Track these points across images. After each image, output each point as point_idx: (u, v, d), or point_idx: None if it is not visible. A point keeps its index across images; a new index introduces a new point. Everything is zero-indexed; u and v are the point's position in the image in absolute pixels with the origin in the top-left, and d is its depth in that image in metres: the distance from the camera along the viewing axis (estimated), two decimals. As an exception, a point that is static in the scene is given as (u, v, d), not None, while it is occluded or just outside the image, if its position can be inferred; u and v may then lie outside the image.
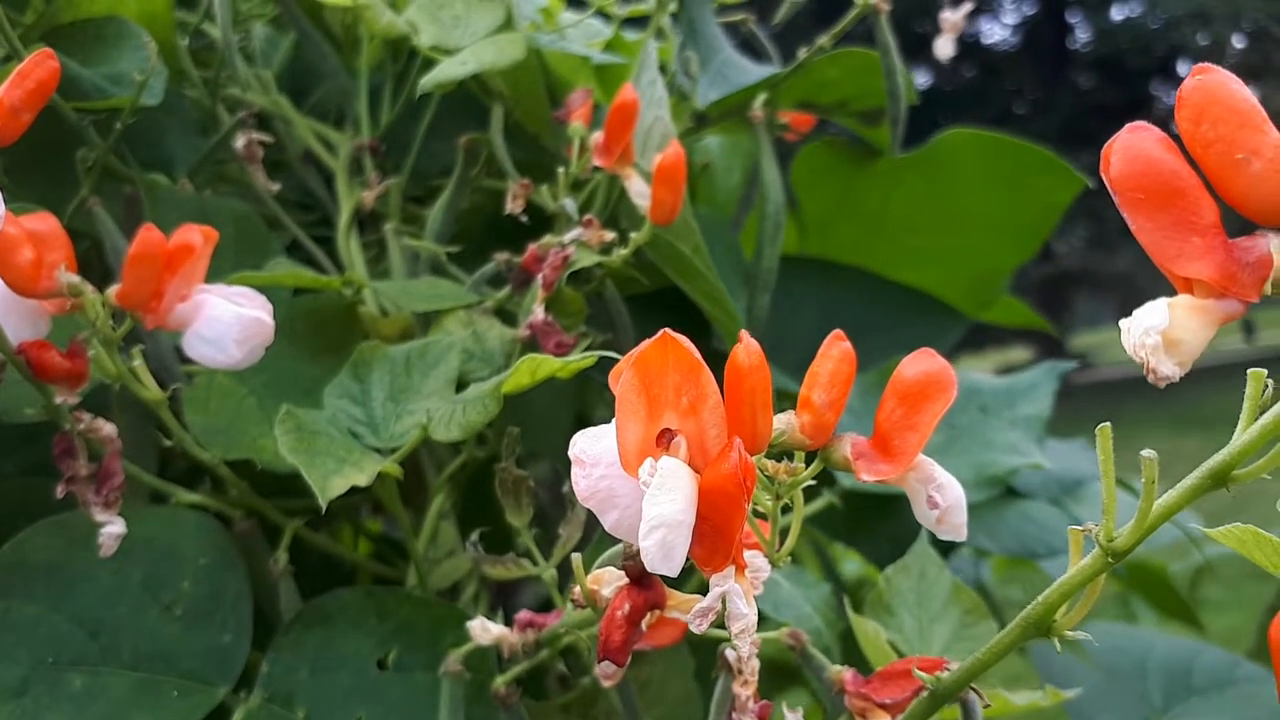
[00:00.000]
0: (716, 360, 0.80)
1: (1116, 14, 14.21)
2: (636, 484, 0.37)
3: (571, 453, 0.39)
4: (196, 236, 0.53)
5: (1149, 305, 0.30)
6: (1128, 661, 1.03)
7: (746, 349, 0.36)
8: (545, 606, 0.63)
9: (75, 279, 0.54)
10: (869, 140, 0.92)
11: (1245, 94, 0.29)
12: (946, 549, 0.85)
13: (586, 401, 0.87)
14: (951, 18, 0.78)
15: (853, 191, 0.97)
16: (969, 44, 14.64)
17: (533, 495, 0.59)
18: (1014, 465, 0.67)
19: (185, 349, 0.55)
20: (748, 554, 0.44)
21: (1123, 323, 0.30)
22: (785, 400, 0.83)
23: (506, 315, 0.74)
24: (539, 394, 0.64)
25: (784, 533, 0.45)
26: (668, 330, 0.37)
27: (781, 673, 0.80)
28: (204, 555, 0.64)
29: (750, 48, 0.96)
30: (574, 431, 0.62)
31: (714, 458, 0.36)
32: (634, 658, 0.58)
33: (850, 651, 0.61)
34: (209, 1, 0.83)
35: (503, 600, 0.80)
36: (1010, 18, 14.81)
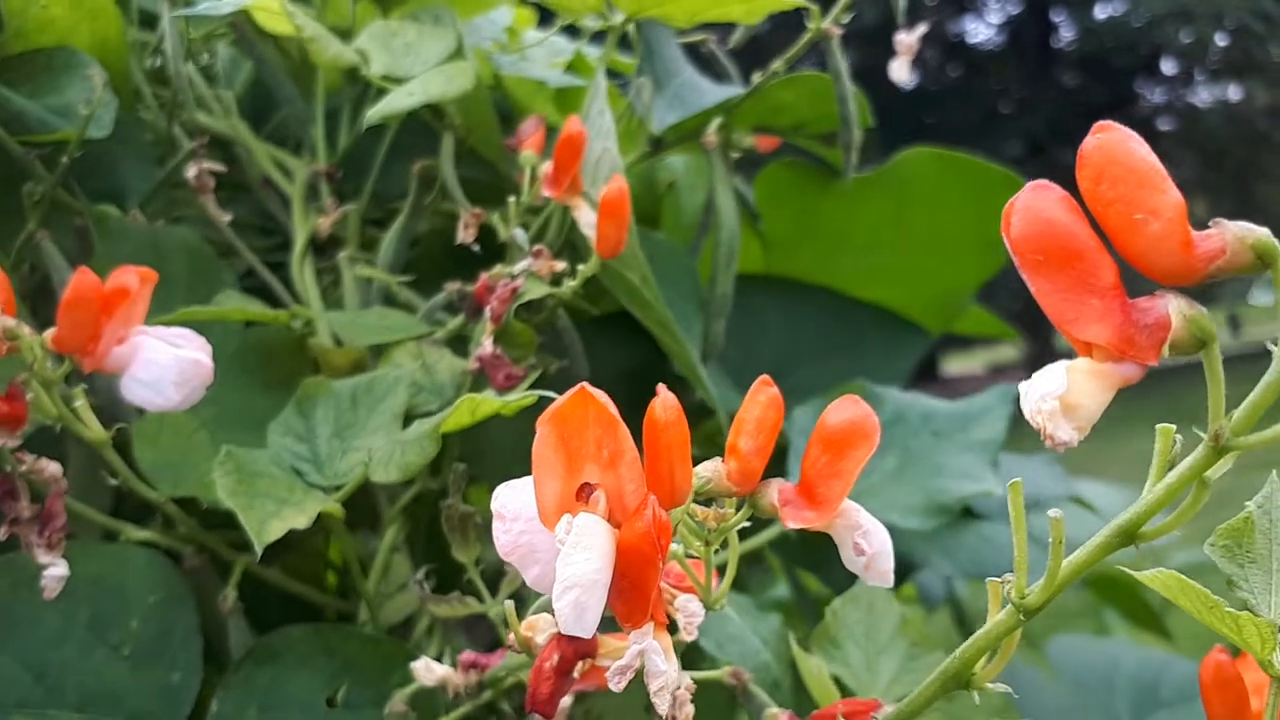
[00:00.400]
0: (677, 386, 0.79)
1: (1100, 13, 14.26)
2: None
3: (493, 506, 0.39)
4: (133, 279, 0.53)
5: (1048, 369, 0.30)
6: (1095, 676, 1.04)
7: (663, 404, 0.36)
8: (498, 642, 0.63)
9: (11, 323, 0.53)
10: (830, 160, 0.92)
11: (1145, 153, 0.29)
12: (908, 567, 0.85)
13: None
14: (906, 40, 0.78)
15: (816, 210, 0.97)
16: (954, 43, 14.69)
17: (480, 530, 0.59)
18: (965, 493, 0.67)
19: (124, 392, 0.54)
20: (682, 598, 0.44)
21: (1020, 386, 0.30)
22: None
23: (463, 342, 0.74)
24: (492, 422, 0.63)
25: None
26: (585, 385, 0.37)
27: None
28: (153, 593, 0.64)
29: (711, 67, 0.96)
30: (528, 458, 0.62)
31: (632, 514, 0.36)
32: (579, 697, 0.58)
33: (800, 682, 0.60)
34: (162, 21, 0.82)
35: (464, 629, 0.80)
36: (995, 17, 14.85)
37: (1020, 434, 0.88)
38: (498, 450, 0.76)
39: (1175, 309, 0.29)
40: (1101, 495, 1.06)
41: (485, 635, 0.74)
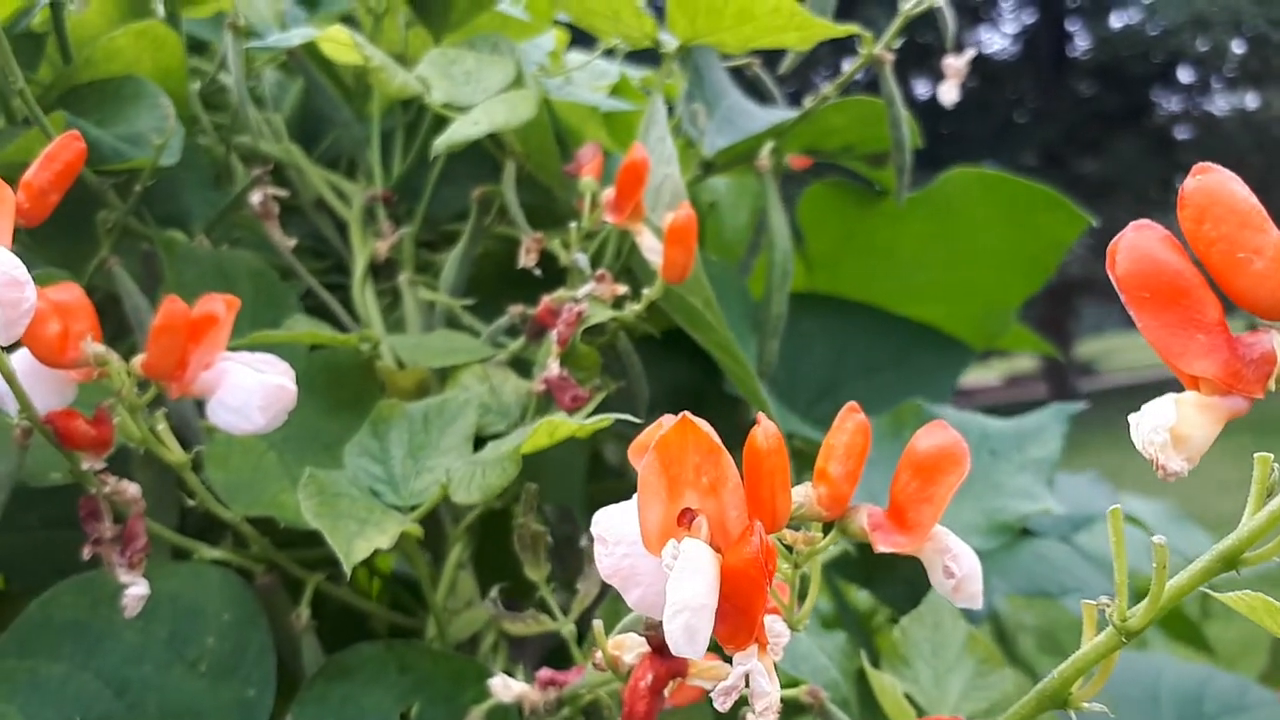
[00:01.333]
0: (728, 404, 0.80)
1: (1115, 21, 14.24)
2: (658, 562, 0.38)
3: (594, 530, 0.40)
4: (219, 306, 0.54)
5: (1157, 401, 0.31)
6: (1139, 690, 1.04)
7: (765, 432, 0.37)
8: (556, 654, 0.64)
9: (101, 349, 0.55)
10: (874, 179, 0.93)
11: (1245, 194, 0.30)
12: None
13: (597, 441, 0.88)
14: (955, 64, 0.79)
15: (860, 229, 0.98)
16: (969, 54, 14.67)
17: (549, 549, 0.60)
18: (1025, 512, 0.68)
19: (210, 417, 0.56)
20: (767, 619, 0.45)
21: (1131, 418, 0.31)
22: (794, 440, 0.84)
23: (522, 364, 0.75)
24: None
25: (803, 592, 0.46)
26: (687, 414, 0.38)
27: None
28: (227, 611, 0.65)
29: (755, 88, 0.97)
30: (586, 474, 0.62)
31: (735, 538, 0.37)
32: (654, 715, 0.59)
33: (866, 696, 0.61)
34: (223, 49, 0.84)
35: (513, 647, 0.81)
36: (1010, 27, 14.85)
37: (1070, 451, 0.89)
38: (555, 467, 0.77)
39: (1279, 344, 0.30)
40: (1143, 510, 1.07)
41: (535, 652, 0.75)
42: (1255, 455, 0.33)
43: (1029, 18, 14.72)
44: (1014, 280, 0.99)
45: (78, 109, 0.76)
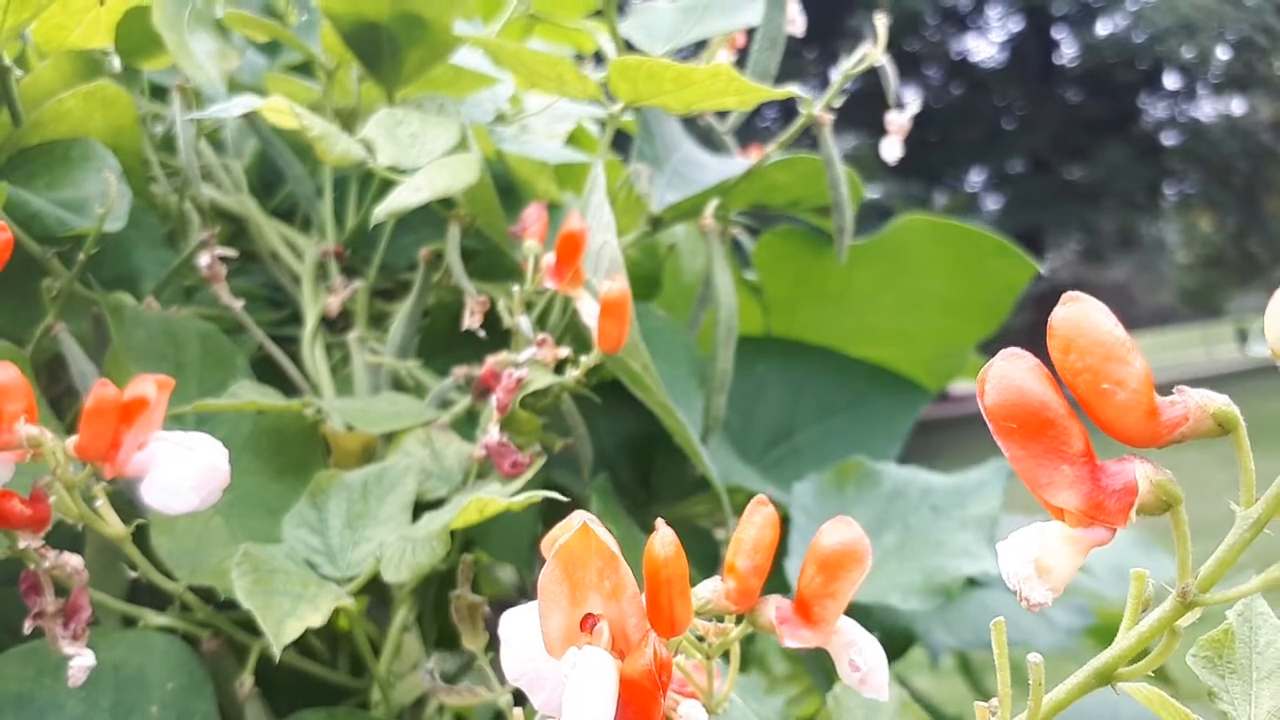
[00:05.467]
0: (679, 455, 0.80)
1: (1102, 29, 14.31)
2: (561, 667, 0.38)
3: (500, 633, 0.41)
4: (150, 388, 0.55)
5: (1024, 531, 0.31)
6: (1097, 726, 1.05)
7: (662, 540, 0.38)
8: None
9: (34, 431, 0.55)
10: (826, 229, 0.94)
11: (1111, 325, 0.31)
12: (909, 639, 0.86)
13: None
14: (898, 120, 0.80)
15: (813, 274, 0.99)
16: (957, 62, 14.75)
17: (487, 620, 0.61)
18: (964, 572, 0.69)
19: (144, 497, 0.56)
20: (685, 705, 0.46)
21: (999, 546, 0.31)
22: (741, 495, 0.85)
23: (472, 421, 0.76)
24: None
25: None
26: (587, 523, 0.38)
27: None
28: (172, 679, 0.66)
29: (710, 135, 0.98)
30: (537, 534, 0.61)
31: (634, 645, 0.38)
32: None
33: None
34: (171, 112, 0.85)
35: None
36: (997, 35, 14.91)
37: (1021, 492, 0.89)
38: (500, 520, 0.78)
39: (1142, 474, 0.31)
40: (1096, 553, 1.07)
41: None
42: (1132, 571, 0.33)
43: (1016, 25, 14.78)
44: (967, 323, 0.99)
45: (27, 171, 0.77)
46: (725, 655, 0.48)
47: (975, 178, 14.86)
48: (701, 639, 0.45)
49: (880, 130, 0.84)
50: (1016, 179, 14.52)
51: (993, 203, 14.54)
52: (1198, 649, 0.43)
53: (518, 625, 0.40)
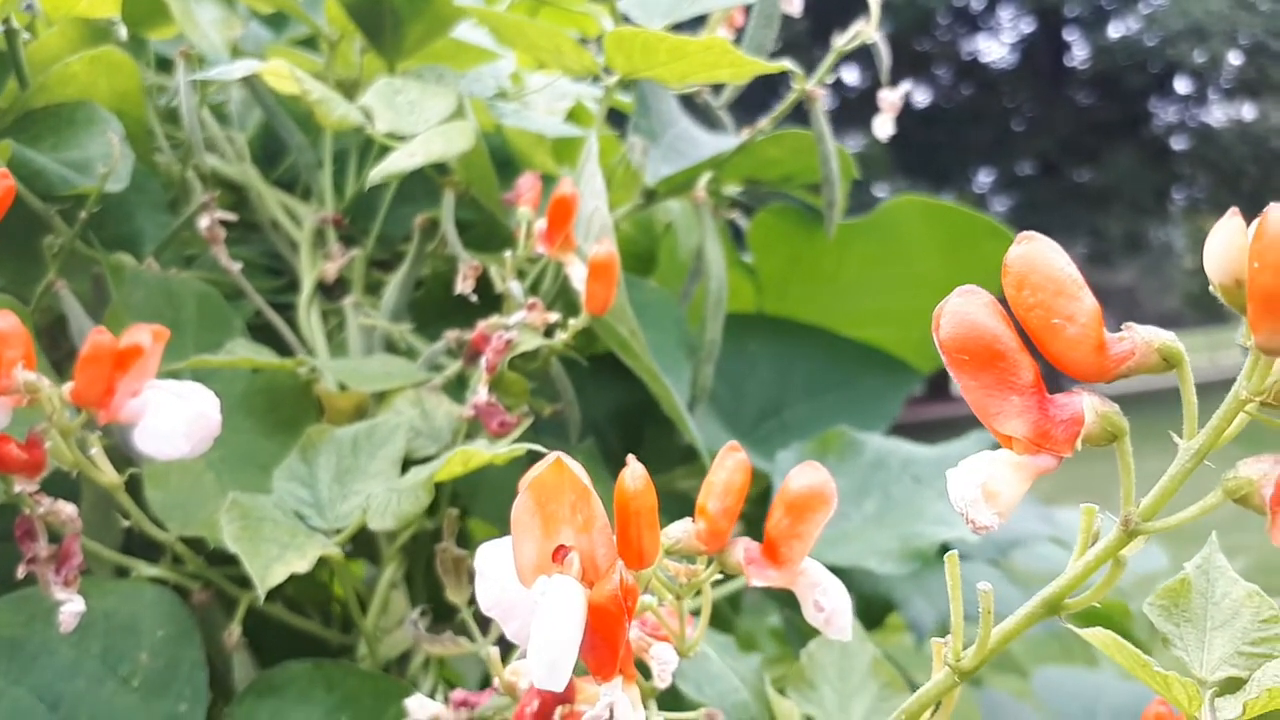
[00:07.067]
0: (668, 423, 0.81)
1: (1114, 31, 14.28)
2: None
3: (475, 564, 0.42)
4: (145, 336, 0.56)
5: (973, 458, 0.32)
6: (1078, 707, 1.06)
7: (631, 474, 0.39)
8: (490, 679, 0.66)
9: (32, 377, 0.56)
10: (818, 207, 0.95)
11: (1064, 263, 0.32)
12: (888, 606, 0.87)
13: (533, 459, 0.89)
14: (890, 98, 0.81)
15: (807, 254, 1.00)
16: (967, 62, 14.74)
17: (472, 573, 0.62)
18: (941, 538, 0.70)
19: (136, 443, 0.57)
20: (657, 647, 0.47)
21: (949, 472, 0.32)
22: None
23: (463, 385, 0.77)
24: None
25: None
26: (561, 456, 0.40)
27: None
28: (162, 627, 0.67)
29: (707, 112, 0.99)
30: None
31: (603, 575, 0.39)
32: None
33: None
34: (175, 78, 0.86)
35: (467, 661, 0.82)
36: (1008, 36, 14.89)
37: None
38: (491, 486, 0.79)
39: (1089, 406, 0.32)
40: (1074, 525, 1.08)
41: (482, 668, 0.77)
42: (1082, 506, 0.35)
43: (1027, 27, 14.76)
44: (958, 305, 1.00)
45: (33, 132, 0.78)
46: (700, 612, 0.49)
47: (983, 179, 14.86)
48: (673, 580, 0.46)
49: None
50: (1025, 181, 14.52)
51: (1000, 205, 14.53)
52: (1155, 598, 0.44)
53: (493, 557, 0.42)
